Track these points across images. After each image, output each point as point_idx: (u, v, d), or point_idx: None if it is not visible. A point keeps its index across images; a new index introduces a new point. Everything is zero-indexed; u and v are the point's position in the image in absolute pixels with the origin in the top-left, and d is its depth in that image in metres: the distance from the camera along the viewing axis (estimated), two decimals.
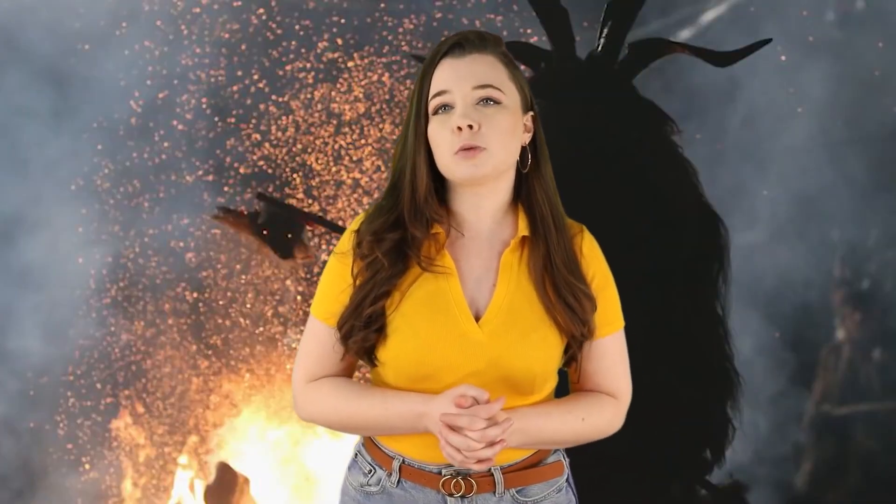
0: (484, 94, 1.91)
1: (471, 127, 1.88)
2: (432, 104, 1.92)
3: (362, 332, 1.92)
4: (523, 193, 1.98)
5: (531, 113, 1.98)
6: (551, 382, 1.97)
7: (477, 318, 1.92)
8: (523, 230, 1.96)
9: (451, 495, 1.92)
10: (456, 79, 1.91)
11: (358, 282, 1.94)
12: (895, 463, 4.12)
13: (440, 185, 1.96)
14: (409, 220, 1.91)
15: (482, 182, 1.93)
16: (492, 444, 1.81)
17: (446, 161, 1.90)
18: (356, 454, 2.03)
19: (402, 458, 1.95)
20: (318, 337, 2.00)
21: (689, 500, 3.51)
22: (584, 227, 2.02)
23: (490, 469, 1.93)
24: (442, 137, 1.90)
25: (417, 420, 1.88)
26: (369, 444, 2.00)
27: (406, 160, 1.93)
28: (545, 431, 1.93)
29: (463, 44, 1.93)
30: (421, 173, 1.91)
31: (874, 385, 4.19)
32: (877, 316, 4.20)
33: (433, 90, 1.92)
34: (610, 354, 2.00)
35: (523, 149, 1.96)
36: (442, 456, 1.89)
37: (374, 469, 1.97)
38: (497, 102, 1.92)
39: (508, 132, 1.92)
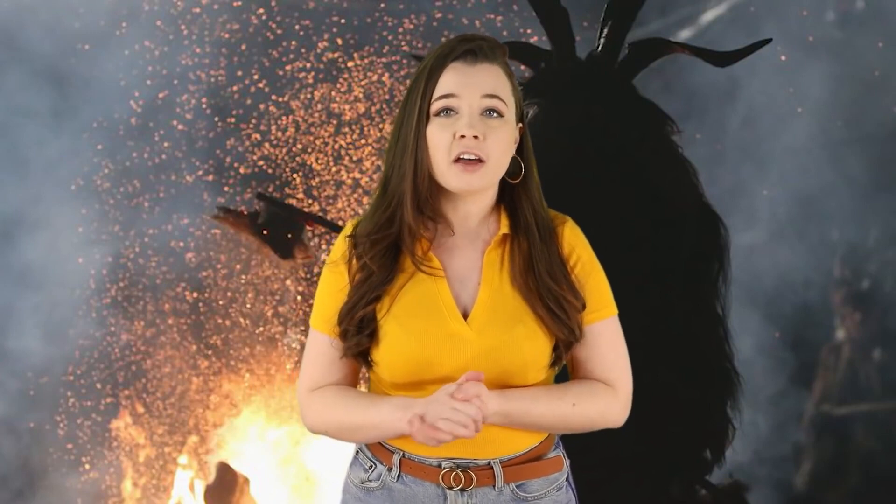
0: (490, 104, 1.92)
1: (475, 137, 1.89)
2: (436, 105, 1.92)
3: (356, 338, 1.94)
4: (507, 197, 2.00)
5: (520, 124, 1.99)
6: (543, 377, 1.98)
7: (465, 317, 1.93)
8: (504, 228, 1.97)
9: (450, 488, 1.93)
10: (466, 85, 1.92)
11: (354, 282, 1.96)
12: (895, 463, 4.12)
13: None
14: (412, 215, 1.92)
15: (474, 193, 1.94)
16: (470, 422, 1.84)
17: (443, 168, 1.91)
18: (357, 451, 2.04)
19: (402, 453, 1.96)
20: (318, 348, 2.02)
21: (689, 500, 3.51)
22: (568, 217, 2.03)
23: (489, 462, 1.94)
24: (441, 140, 1.91)
25: (403, 411, 1.88)
26: None
27: (405, 158, 1.93)
28: (531, 414, 1.93)
29: (476, 51, 1.93)
30: (423, 170, 1.92)
31: (874, 385, 4.20)
32: (877, 316, 4.20)
33: (440, 91, 1.92)
34: (602, 342, 1.99)
35: (513, 158, 1.97)
36: (442, 450, 1.91)
37: (375, 465, 1.98)
38: (500, 115, 1.93)
39: (507, 146, 1.94)
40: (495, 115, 1.92)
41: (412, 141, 1.92)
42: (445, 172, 1.91)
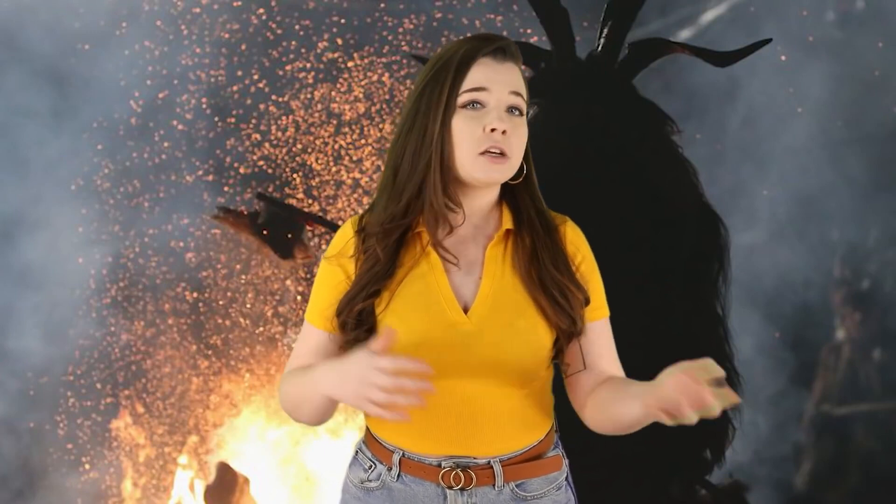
0: (515, 101, 1.96)
1: (504, 132, 1.91)
2: (465, 97, 1.94)
3: (354, 332, 1.95)
4: (507, 193, 2.02)
5: None
6: (544, 371, 1.99)
7: (465, 311, 1.93)
8: (507, 224, 1.99)
9: (450, 488, 1.94)
10: (496, 80, 1.95)
11: (357, 273, 1.97)
12: (895, 463, 4.12)
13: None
14: (439, 204, 1.93)
15: (493, 185, 1.97)
16: None
17: (469, 159, 1.93)
18: (357, 451, 2.05)
19: (401, 452, 1.96)
20: (307, 340, 2.04)
21: (689, 500, 3.51)
22: (567, 217, 2.06)
23: (489, 461, 1.95)
24: (468, 133, 1.93)
25: (323, 378, 1.85)
26: (370, 439, 2.02)
27: (426, 148, 1.94)
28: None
29: (505, 50, 1.98)
30: (448, 161, 1.93)
31: (874, 385, 4.20)
32: (877, 316, 4.20)
33: (469, 84, 1.94)
34: (604, 339, 2.03)
35: None
36: (442, 448, 1.93)
37: (375, 464, 1.99)
38: (522, 114, 1.97)
39: (525, 143, 1.98)
40: (517, 112, 1.96)
41: (437, 131, 1.93)
42: (470, 164, 1.93)
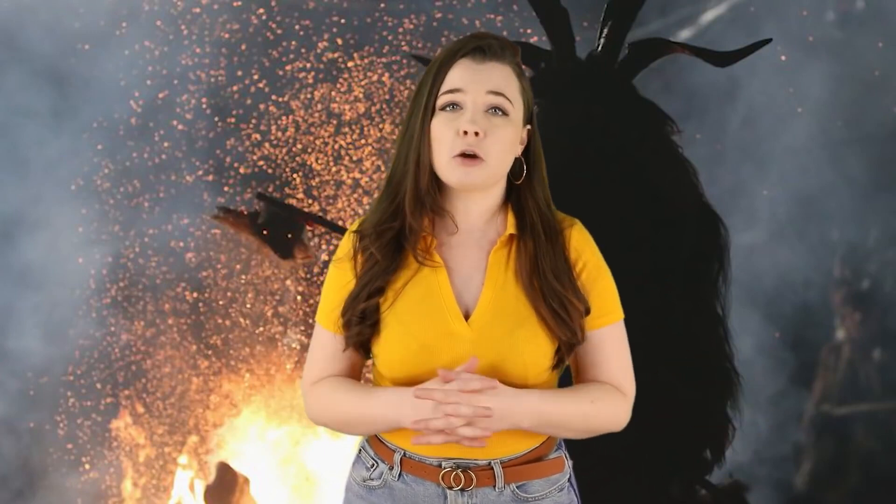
0: (495, 101, 1.93)
1: (476, 134, 1.89)
2: (442, 99, 1.93)
3: (357, 327, 1.95)
4: (513, 196, 2.00)
5: (528, 126, 1.99)
6: (543, 380, 1.98)
7: (466, 316, 1.93)
8: (510, 229, 1.97)
9: (450, 488, 1.94)
10: (472, 80, 1.93)
11: (359, 274, 1.97)
12: (895, 463, 4.12)
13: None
14: (410, 209, 1.93)
15: (472, 189, 1.94)
16: (472, 423, 1.85)
17: (443, 162, 1.92)
18: (360, 450, 2.05)
19: (402, 452, 1.96)
20: (321, 343, 2.04)
21: (689, 500, 3.51)
22: (576, 220, 2.03)
23: (490, 462, 1.94)
24: (445, 135, 1.92)
25: (396, 410, 1.90)
26: (372, 438, 2.02)
27: (410, 151, 1.94)
28: (555, 414, 1.93)
29: (485, 49, 1.95)
30: (424, 164, 1.93)
31: (874, 385, 4.20)
32: (877, 316, 4.20)
33: (446, 86, 1.93)
34: (608, 346, 2.00)
35: (517, 159, 1.98)
36: (442, 450, 1.92)
37: (377, 463, 1.99)
38: (505, 114, 1.94)
39: (509, 145, 1.94)
40: (500, 112, 1.93)
41: (416, 136, 1.94)
42: (445, 167, 1.92)
